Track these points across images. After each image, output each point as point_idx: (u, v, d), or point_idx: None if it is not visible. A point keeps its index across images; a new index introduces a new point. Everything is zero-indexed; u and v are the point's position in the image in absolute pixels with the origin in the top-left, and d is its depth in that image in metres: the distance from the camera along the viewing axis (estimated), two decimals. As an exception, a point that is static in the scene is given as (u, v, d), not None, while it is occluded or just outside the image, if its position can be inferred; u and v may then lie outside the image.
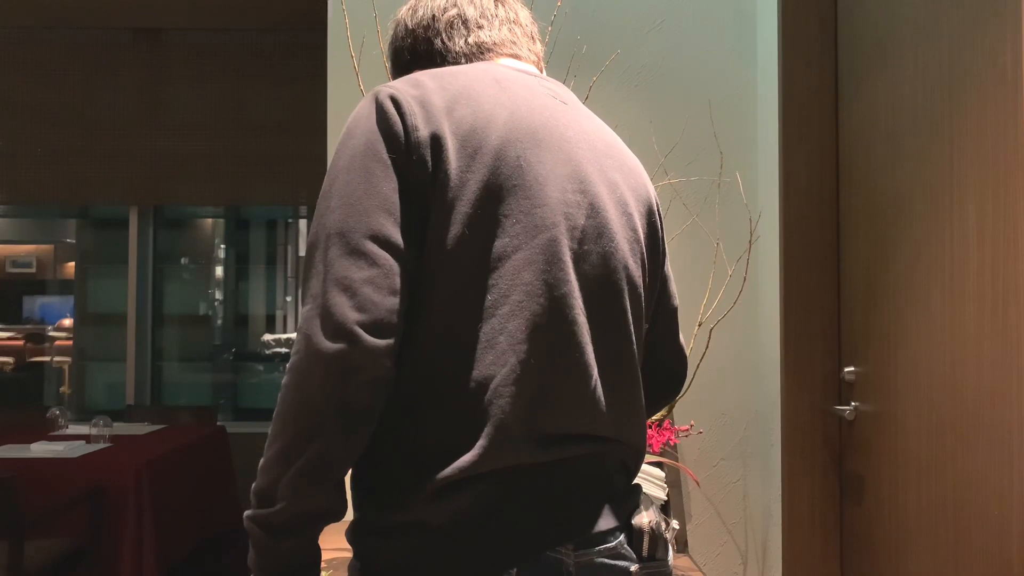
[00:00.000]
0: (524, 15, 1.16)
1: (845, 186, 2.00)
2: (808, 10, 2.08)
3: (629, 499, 0.99)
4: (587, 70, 2.30)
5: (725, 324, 2.26)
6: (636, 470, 1.04)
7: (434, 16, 1.11)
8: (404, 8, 1.16)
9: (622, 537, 0.94)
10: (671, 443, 2.09)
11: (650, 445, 2.04)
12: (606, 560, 0.92)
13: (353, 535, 0.94)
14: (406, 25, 1.13)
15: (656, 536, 0.95)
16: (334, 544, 1.85)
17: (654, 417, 1.87)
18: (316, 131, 2.35)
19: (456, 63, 1.08)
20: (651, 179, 2.32)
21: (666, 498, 2.13)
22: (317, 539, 0.89)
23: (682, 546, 2.13)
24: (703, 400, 2.32)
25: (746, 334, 2.33)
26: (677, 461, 2.16)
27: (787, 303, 2.08)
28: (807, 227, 2.05)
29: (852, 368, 1.94)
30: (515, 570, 0.86)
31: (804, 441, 2.05)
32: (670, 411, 2.19)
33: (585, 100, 2.15)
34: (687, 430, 2.16)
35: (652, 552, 0.95)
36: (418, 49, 1.11)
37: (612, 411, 0.96)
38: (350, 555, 1.90)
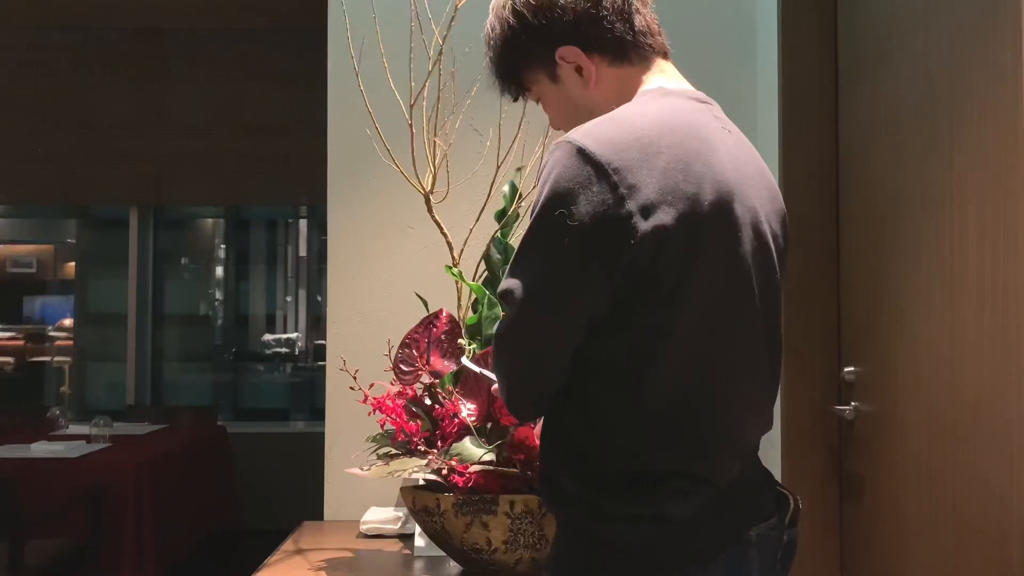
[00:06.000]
0: None
1: (845, 186, 2.00)
2: (808, 10, 2.08)
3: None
4: (587, 70, 2.29)
5: (725, 324, 2.26)
6: None
7: None
8: None
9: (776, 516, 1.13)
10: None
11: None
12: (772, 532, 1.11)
13: (593, 520, 1.05)
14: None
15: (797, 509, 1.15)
16: (337, 544, 1.85)
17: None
18: (316, 131, 2.34)
19: (638, 49, 1.19)
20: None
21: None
22: None
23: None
24: (703, 400, 2.31)
25: (746, 334, 2.32)
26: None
27: (787, 303, 2.07)
28: (807, 227, 2.05)
29: (852, 368, 1.94)
30: (728, 547, 1.05)
31: (804, 441, 2.05)
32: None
33: (585, 100, 2.15)
34: (687, 430, 2.16)
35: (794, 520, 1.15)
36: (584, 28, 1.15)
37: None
38: (350, 555, 1.90)
